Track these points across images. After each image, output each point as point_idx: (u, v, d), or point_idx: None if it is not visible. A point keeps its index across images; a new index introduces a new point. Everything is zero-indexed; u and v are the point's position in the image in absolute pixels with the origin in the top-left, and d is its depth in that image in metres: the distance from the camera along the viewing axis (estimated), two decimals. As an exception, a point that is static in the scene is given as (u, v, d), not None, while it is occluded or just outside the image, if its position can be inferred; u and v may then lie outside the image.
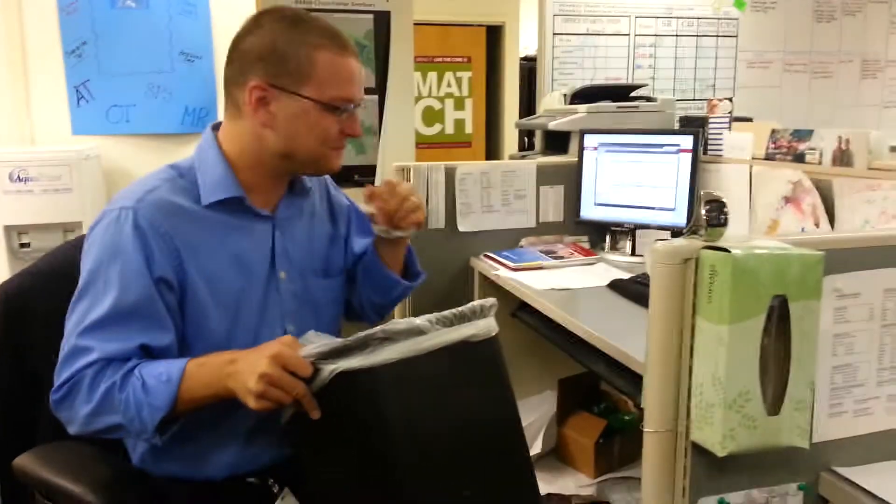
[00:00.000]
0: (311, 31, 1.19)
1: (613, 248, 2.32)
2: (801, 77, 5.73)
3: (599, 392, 2.41)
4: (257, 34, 1.19)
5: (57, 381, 1.10)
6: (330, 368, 1.00)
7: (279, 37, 1.17)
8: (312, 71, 1.17)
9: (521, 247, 2.31)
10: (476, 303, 1.15)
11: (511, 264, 2.11)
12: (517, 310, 2.04)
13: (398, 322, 1.05)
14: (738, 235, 0.87)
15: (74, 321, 1.12)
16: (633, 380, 1.45)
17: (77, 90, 2.84)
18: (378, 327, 1.04)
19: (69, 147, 2.68)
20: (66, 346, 1.11)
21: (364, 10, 4.95)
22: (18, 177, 2.49)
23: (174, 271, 1.14)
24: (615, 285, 1.89)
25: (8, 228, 2.56)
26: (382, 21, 4.87)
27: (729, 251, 0.81)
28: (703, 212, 0.85)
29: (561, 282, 1.95)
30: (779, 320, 0.82)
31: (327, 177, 1.46)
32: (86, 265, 1.14)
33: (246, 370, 1.03)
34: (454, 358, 1.09)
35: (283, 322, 1.26)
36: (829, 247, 0.86)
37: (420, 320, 1.07)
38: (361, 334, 1.02)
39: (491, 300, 1.17)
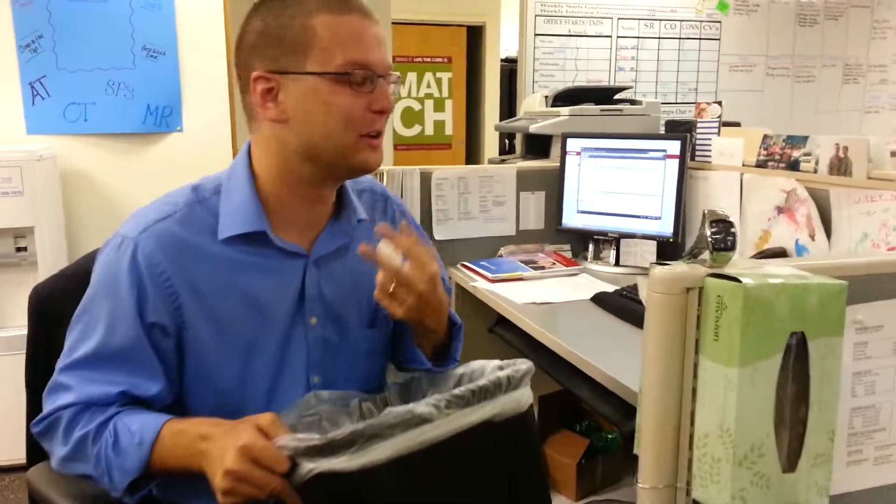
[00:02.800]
0: None
1: (597, 257, 2.20)
2: (783, 81, 5.69)
3: (581, 410, 2.30)
4: (250, 23, 1.03)
5: (42, 413, 1.01)
6: (308, 467, 0.83)
7: (270, 16, 1.01)
8: (312, 40, 0.98)
9: (501, 256, 2.19)
10: (504, 372, 0.92)
11: (489, 275, 1.99)
12: (495, 325, 1.92)
13: (394, 411, 0.84)
14: (747, 261, 0.75)
15: (64, 351, 1.02)
16: (621, 406, 1.34)
17: (32, 87, 2.67)
18: (368, 421, 0.84)
19: (20, 147, 2.52)
20: (55, 372, 1.02)
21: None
22: (-36, 179, 2.33)
23: (171, 315, 1.00)
24: (599, 299, 1.77)
25: (-47, 234, 2.40)
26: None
27: (739, 280, 0.69)
28: (707, 233, 0.73)
29: (542, 295, 1.84)
30: (796, 361, 0.71)
31: (400, 202, 1.28)
32: (90, 286, 1.04)
33: (215, 457, 0.88)
34: (471, 444, 0.88)
35: (308, 373, 1.09)
36: (851, 273, 0.75)
37: (424, 406, 0.85)
38: (348, 429, 0.83)
39: (526, 365, 0.95)
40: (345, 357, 1.13)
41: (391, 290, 1.02)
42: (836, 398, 0.73)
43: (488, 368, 1.02)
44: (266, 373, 1.05)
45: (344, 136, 1.00)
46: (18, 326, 2.50)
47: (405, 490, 0.85)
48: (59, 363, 1.02)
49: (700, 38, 5.36)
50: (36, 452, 1.16)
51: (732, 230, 0.74)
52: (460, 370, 1.06)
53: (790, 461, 0.71)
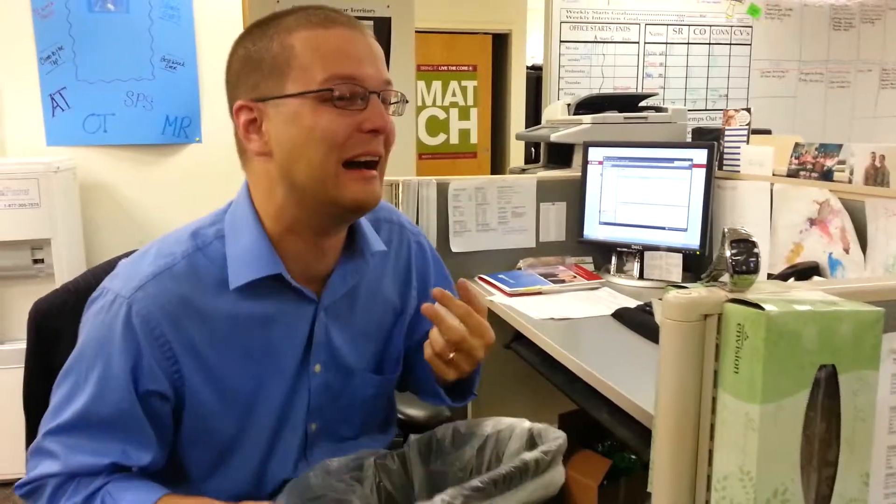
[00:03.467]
0: (283, 19, 0.91)
1: (620, 270, 2.13)
2: (817, 87, 5.55)
3: (603, 429, 2.22)
4: (234, 54, 0.95)
5: (26, 472, 0.93)
6: None
7: (250, 42, 0.92)
8: (291, 59, 0.88)
9: (519, 269, 2.13)
10: (532, 455, 0.81)
11: (507, 289, 1.92)
12: (512, 341, 1.85)
13: None
14: (770, 285, 0.68)
15: (50, 410, 0.93)
16: (641, 431, 1.27)
17: (52, 98, 2.68)
18: None
19: (37, 159, 2.52)
20: (40, 431, 0.93)
21: (364, 17, 4.80)
22: (-18, 190, 2.33)
23: (169, 380, 0.92)
24: (620, 315, 1.70)
25: (-29, 245, 2.40)
26: (383, 27, 4.72)
27: (762, 307, 0.62)
28: (728, 253, 0.67)
29: (561, 310, 1.77)
30: (826, 397, 0.64)
31: (416, 231, 1.16)
32: (78, 342, 0.94)
33: None
34: None
35: (306, 420, 1.02)
36: (889, 298, 0.68)
37: (450, 495, 0.75)
38: None
39: (558, 442, 0.86)
40: (347, 401, 1.06)
41: (450, 356, 0.93)
42: (871, 438, 0.66)
43: (517, 431, 0.93)
44: (267, 424, 0.98)
45: (326, 165, 0.88)
46: (36, 338, 2.50)
47: None
48: (44, 424, 0.93)
49: (730, 44, 5.25)
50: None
51: (755, 251, 0.67)
52: (488, 429, 0.97)
53: (820, 508, 0.64)
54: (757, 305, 0.63)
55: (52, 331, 1.20)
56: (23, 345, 2.45)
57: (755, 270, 0.66)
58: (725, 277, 0.68)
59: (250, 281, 0.93)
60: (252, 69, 0.91)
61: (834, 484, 0.65)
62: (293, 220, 0.94)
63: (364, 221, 1.04)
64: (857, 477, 0.66)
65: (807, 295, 0.66)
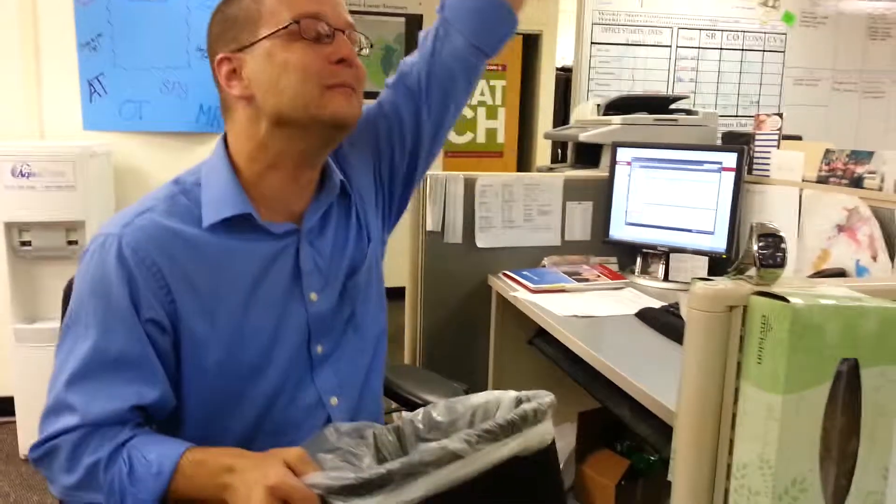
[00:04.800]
0: None
1: (644, 272, 2.13)
2: (850, 96, 5.48)
3: (623, 428, 2.22)
4: (213, 19, 1.03)
5: (39, 436, 0.94)
6: None
7: (225, 6, 1.01)
8: (261, 7, 0.97)
9: (544, 266, 2.14)
10: (528, 406, 0.90)
11: (531, 285, 1.94)
12: (534, 337, 1.87)
13: (427, 448, 0.82)
14: (796, 279, 0.69)
15: (56, 366, 0.96)
16: (661, 429, 1.28)
17: (90, 84, 2.73)
18: (402, 459, 0.81)
19: (74, 143, 2.57)
20: (49, 394, 0.95)
21: (396, 14, 4.84)
22: (21, 172, 2.38)
23: (165, 310, 0.95)
24: (644, 315, 1.71)
25: (9, 225, 2.45)
26: (414, 24, 4.75)
27: (787, 300, 0.63)
28: (755, 248, 0.68)
29: (584, 308, 1.78)
30: (847, 390, 0.65)
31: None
32: (72, 298, 0.97)
33: (242, 494, 0.84)
34: (500, 478, 0.86)
35: (311, 344, 1.06)
36: (912, 297, 0.68)
37: (457, 442, 0.83)
38: (383, 468, 0.80)
39: (548, 398, 0.92)
40: (343, 319, 1.09)
41: None
42: (892, 432, 0.67)
43: (505, 401, 0.97)
44: (259, 355, 1.01)
45: (306, 91, 0.95)
46: (67, 318, 2.56)
47: None
48: (52, 382, 0.95)
49: (763, 51, 5.21)
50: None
51: (783, 245, 0.68)
52: (477, 399, 1.00)
53: (836, 498, 0.65)
54: (782, 298, 0.64)
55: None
56: (55, 324, 2.51)
57: (782, 265, 0.67)
58: (752, 271, 0.69)
59: (224, 219, 0.99)
60: (229, 26, 0.99)
61: (853, 476, 0.66)
62: (275, 155, 1.01)
63: (329, 161, 1.09)
64: (876, 470, 0.67)
65: (832, 291, 0.67)
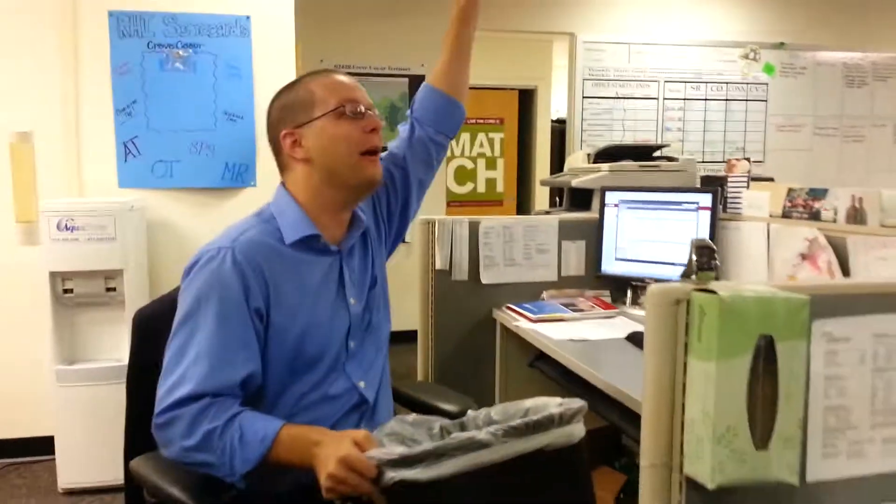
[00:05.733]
0: (302, 78, 1.42)
1: (634, 302, 2.35)
2: (832, 141, 5.76)
3: (621, 447, 2.42)
4: (272, 106, 1.42)
5: (159, 407, 1.21)
6: (390, 475, 1.04)
7: (283, 98, 1.40)
8: (313, 97, 1.35)
9: (543, 299, 2.36)
10: (558, 409, 1.08)
11: (532, 316, 2.16)
12: (535, 359, 2.08)
13: (458, 437, 1.05)
14: (728, 282, 0.92)
15: (175, 350, 1.24)
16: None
17: (125, 146, 2.99)
18: (437, 443, 1.05)
19: (114, 199, 2.82)
20: (168, 375, 1.23)
21: (400, 74, 5.17)
22: (66, 226, 2.63)
23: (264, 302, 1.28)
24: (633, 338, 1.92)
25: (53, 275, 2.69)
26: (417, 84, 5.07)
27: (717, 293, 0.86)
28: (694, 257, 0.91)
29: (579, 333, 2.00)
30: (766, 359, 0.86)
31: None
32: (185, 299, 1.27)
33: (322, 461, 1.13)
34: (524, 469, 1.05)
35: (346, 340, 1.39)
36: (815, 293, 0.91)
37: (484, 434, 1.04)
38: (420, 448, 1.05)
39: (579, 403, 1.12)
40: (367, 323, 1.44)
41: None
42: (802, 392, 0.88)
43: (551, 405, 1.18)
44: (317, 347, 1.33)
45: (351, 157, 1.35)
46: (110, 360, 2.77)
47: (465, 500, 1.05)
48: (176, 360, 1.22)
49: (747, 100, 5.50)
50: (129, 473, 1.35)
51: (714, 255, 0.91)
52: (528, 403, 1.23)
53: (762, 441, 0.86)
54: (714, 292, 0.86)
55: (153, 331, 1.45)
56: (93, 364, 2.72)
57: (713, 269, 0.90)
58: (694, 275, 0.92)
59: (300, 238, 1.34)
60: (289, 110, 1.38)
61: (774, 425, 0.87)
62: (326, 199, 1.38)
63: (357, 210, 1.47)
64: (792, 421, 0.88)
65: (753, 286, 0.89)
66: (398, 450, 1.06)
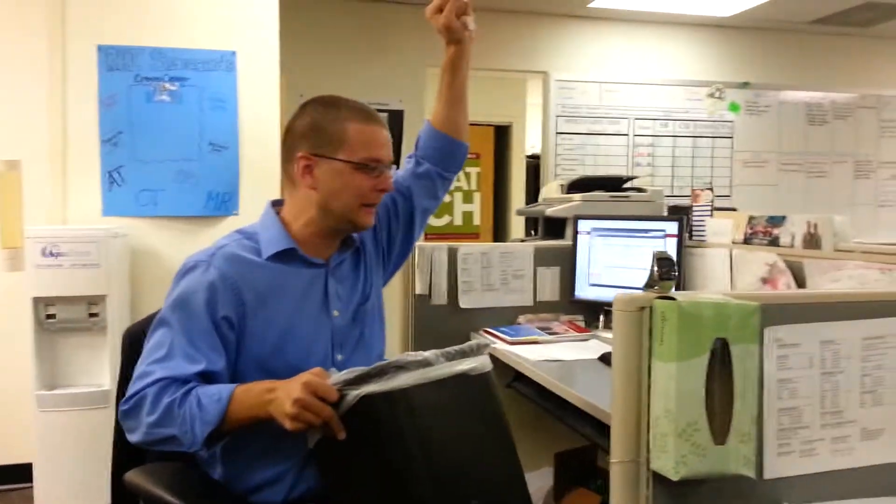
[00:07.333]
0: (343, 108, 1.45)
1: (607, 326, 2.44)
2: (796, 176, 5.95)
3: (596, 468, 2.48)
4: (301, 117, 1.46)
5: (127, 395, 1.32)
6: (354, 393, 1.19)
7: (318, 116, 1.44)
8: (345, 138, 1.41)
9: (520, 323, 2.44)
10: (472, 342, 1.36)
11: (508, 338, 2.24)
12: (513, 381, 2.16)
13: (410, 354, 1.26)
14: (687, 292, 1.01)
15: (150, 346, 1.35)
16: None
17: (110, 175, 3.05)
18: (392, 359, 1.24)
19: (98, 226, 2.87)
20: (139, 367, 1.33)
21: (381, 109, 5.29)
22: (50, 252, 2.67)
23: (236, 313, 1.36)
24: (605, 358, 2.01)
25: (36, 300, 2.71)
26: (397, 119, 5.20)
27: (676, 300, 0.95)
28: (655, 268, 1.00)
29: (554, 354, 2.08)
30: (722, 361, 0.95)
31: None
32: (167, 302, 1.38)
33: (282, 396, 1.21)
34: (456, 387, 1.28)
35: (332, 351, 1.47)
36: (765, 301, 1.00)
37: (429, 353, 1.27)
38: (380, 364, 1.22)
39: (484, 340, 1.36)
40: (357, 334, 1.51)
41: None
42: (755, 392, 0.97)
43: (470, 341, 1.44)
44: (299, 356, 1.40)
45: (353, 204, 1.43)
46: (90, 385, 2.79)
47: (416, 409, 1.23)
48: (148, 355, 1.33)
49: (713, 137, 5.69)
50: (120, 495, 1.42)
51: (674, 266, 1.00)
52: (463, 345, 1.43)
53: (720, 436, 0.95)
54: (673, 299, 0.96)
55: (140, 349, 1.48)
56: (75, 390, 2.74)
57: (673, 278, 0.99)
58: (656, 285, 1.01)
59: (277, 252, 1.42)
60: (316, 133, 1.43)
61: (731, 421, 0.96)
62: (318, 229, 1.46)
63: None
64: (747, 418, 0.97)
65: (708, 295, 0.99)
66: (356, 370, 1.21)
